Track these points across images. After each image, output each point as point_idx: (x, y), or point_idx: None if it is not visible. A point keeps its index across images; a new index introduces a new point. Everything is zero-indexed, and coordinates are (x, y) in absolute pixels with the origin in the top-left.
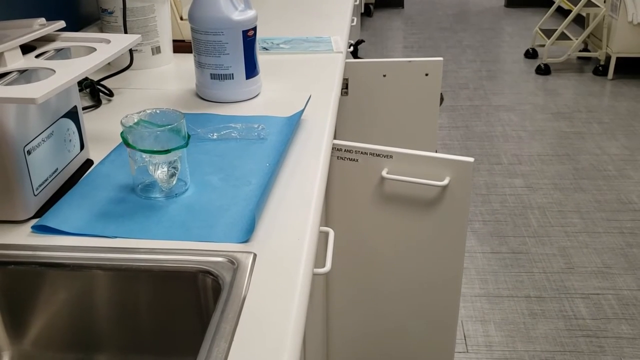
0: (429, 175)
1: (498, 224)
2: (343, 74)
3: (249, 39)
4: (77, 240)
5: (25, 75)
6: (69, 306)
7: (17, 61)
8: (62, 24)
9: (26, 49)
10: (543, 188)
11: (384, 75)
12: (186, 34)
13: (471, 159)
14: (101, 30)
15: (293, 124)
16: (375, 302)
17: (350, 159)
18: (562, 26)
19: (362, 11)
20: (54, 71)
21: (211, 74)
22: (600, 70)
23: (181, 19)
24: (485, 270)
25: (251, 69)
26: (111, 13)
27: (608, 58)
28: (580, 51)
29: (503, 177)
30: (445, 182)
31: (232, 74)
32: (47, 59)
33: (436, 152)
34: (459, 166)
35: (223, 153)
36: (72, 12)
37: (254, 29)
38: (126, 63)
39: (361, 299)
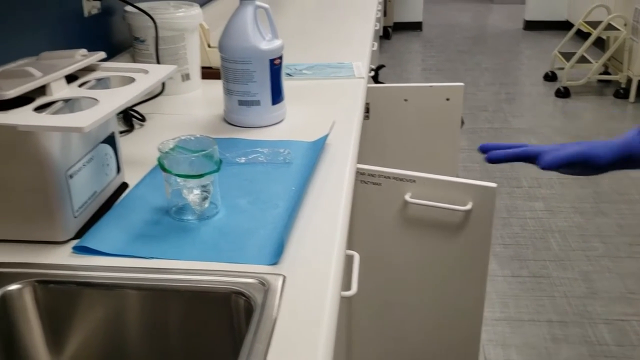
0: (452, 199)
1: (519, 248)
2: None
3: (275, 67)
4: (115, 260)
5: (69, 104)
6: (106, 324)
7: (62, 90)
8: (102, 54)
9: (69, 78)
10: (563, 211)
11: (405, 100)
12: (214, 61)
13: (494, 185)
14: (133, 58)
15: (318, 148)
16: (397, 325)
17: (374, 183)
18: (582, 49)
19: (381, 34)
20: (98, 100)
21: (239, 101)
22: (621, 94)
23: (209, 46)
24: (506, 293)
25: (277, 95)
26: (143, 41)
27: (629, 81)
28: (600, 74)
29: (523, 201)
30: (468, 207)
31: (259, 100)
32: (88, 88)
33: (457, 175)
34: (482, 191)
35: (251, 177)
36: (106, 40)
37: (280, 57)
38: (158, 90)
39: (383, 322)
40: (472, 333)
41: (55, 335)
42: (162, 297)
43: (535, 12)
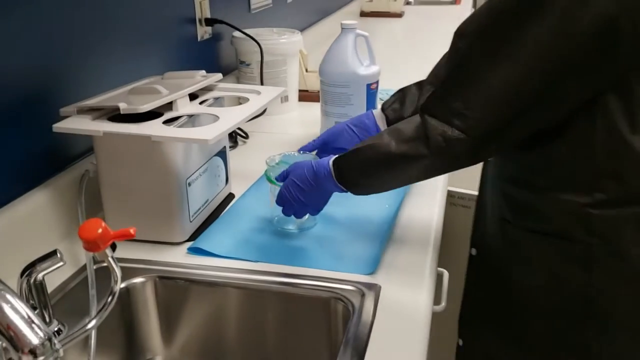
0: None
1: None
2: None
3: (371, 91)
4: (224, 262)
5: (192, 119)
6: (211, 320)
7: (186, 107)
8: (219, 76)
9: (190, 95)
10: None
11: None
12: (310, 85)
13: None
14: (238, 80)
15: None
16: None
17: (463, 206)
18: None
19: None
20: (218, 117)
21: (335, 122)
22: None
23: (306, 70)
24: None
25: None
26: (248, 65)
27: None
28: None
29: None
30: None
31: None
32: (208, 105)
33: None
34: None
35: (346, 193)
36: (214, 63)
37: (377, 82)
38: (261, 110)
39: None
40: None
41: (169, 327)
42: (264, 298)
43: None
